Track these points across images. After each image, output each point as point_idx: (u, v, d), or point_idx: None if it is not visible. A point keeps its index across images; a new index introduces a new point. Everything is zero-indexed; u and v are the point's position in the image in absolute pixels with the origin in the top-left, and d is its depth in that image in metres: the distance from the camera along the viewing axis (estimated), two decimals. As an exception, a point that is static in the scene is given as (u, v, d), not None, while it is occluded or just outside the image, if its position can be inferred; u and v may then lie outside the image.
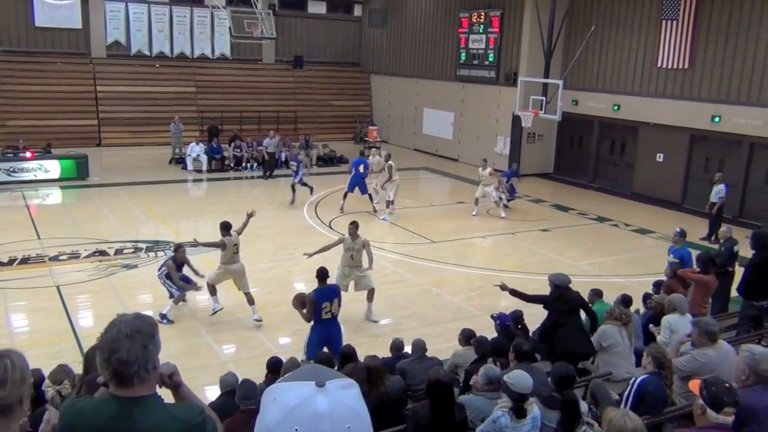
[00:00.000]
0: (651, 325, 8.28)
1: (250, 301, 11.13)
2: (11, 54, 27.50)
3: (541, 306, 8.50)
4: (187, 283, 11.29)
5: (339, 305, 9.27)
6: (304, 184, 19.33)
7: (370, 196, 18.70)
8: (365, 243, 11.30)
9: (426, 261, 14.63)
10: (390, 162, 18.65)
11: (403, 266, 14.25)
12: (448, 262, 14.65)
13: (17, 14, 27.63)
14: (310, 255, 11.37)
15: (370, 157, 19.88)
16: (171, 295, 11.09)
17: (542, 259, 15.19)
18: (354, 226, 11.45)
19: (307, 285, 13.21)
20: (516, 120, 23.13)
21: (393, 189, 18.30)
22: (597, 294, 9.48)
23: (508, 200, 19.23)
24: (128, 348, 2.39)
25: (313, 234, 16.42)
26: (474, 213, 18.71)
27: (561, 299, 8.16)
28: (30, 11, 27.70)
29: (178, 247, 11.39)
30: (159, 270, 11.36)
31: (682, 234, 11.41)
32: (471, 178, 24.49)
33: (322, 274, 9.31)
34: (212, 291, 11.26)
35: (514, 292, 8.53)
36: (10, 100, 26.60)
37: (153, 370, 2.47)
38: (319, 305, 9.00)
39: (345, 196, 18.55)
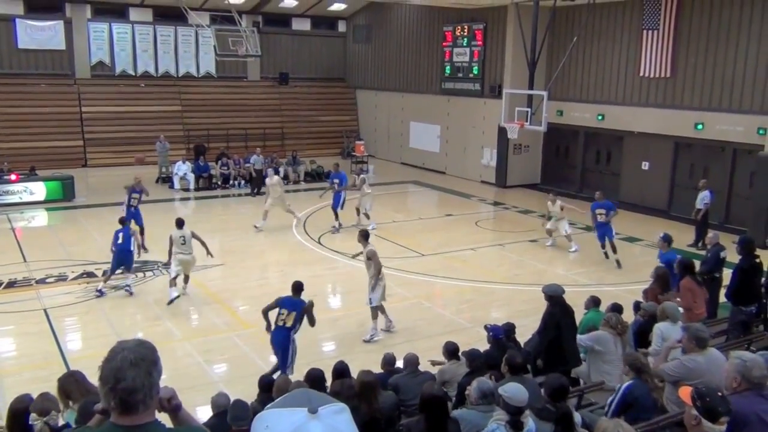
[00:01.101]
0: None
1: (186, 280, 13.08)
2: (-5, 76, 27.38)
3: (544, 320, 8.49)
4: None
5: (296, 321, 9.19)
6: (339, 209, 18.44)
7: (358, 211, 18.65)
8: (372, 253, 11.73)
9: (415, 274, 14.62)
10: (362, 175, 18.77)
11: (392, 280, 14.17)
12: (437, 275, 14.65)
13: (0, 37, 27.55)
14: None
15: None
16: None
17: (532, 270, 15.21)
18: (364, 235, 11.93)
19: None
20: (502, 131, 23.24)
21: (368, 201, 18.43)
22: (595, 302, 9.48)
23: (611, 242, 15.62)
24: (134, 376, 2.36)
25: (302, 251, 16.40)
26: (549, 243, 17.20)
27: (560, 311, 8.20)
28: (13, 33, 27.64)
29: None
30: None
31: (666, 239, 11.51)
32: (459, 191, 24.61)
33: (296, 286, 9.48)
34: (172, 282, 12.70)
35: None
36: (-6, 123, 26.46)
37: (156, 395, 2.45)
38: (278, 309, 9.22)
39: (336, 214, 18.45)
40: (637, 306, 9.51)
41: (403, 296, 13.33)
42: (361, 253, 11.45)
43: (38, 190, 21.14)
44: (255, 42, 24.94)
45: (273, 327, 9.26)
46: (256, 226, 18.14)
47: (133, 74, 29.93)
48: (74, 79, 28.73)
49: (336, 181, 18.58)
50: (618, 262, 15.32)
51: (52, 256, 15.46)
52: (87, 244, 16.50)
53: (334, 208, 18.40)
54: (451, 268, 15.15)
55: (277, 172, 21.86)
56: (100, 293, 13.01)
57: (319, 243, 17.05)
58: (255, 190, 23.42)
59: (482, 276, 14.74)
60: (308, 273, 14.69)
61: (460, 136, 27.28)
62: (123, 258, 13.13)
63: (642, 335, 8.30)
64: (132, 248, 13.33)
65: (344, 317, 12.25)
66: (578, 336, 8.17)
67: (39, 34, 27.99)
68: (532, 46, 20.47)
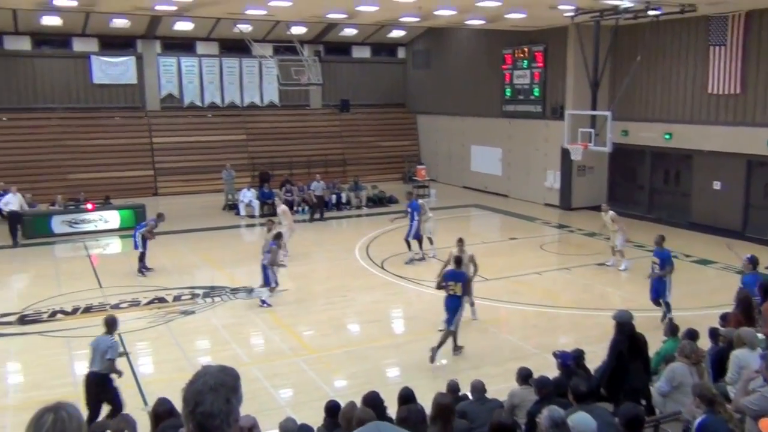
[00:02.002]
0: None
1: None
2: (71, 111, 28.74)
3: (611, 347, 8.25)
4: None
5: (463, 290, 11.23)
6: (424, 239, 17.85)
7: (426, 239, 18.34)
8: (471, 257, 12.98)
9: (480, 299, 14.43)
10: (420, 200, 18.65)
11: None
12: (502, 300, 14.45)
13: (76, 73, 28.96)
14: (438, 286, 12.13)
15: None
16: (267, 283, 14.01)
17: (600, 294, 14.84)
18: (460, 242, 13.16)
19: (362, 327, 13.23)
20: (565, 153, 22.93)
21: (431, 226, 18.10)
22: (672, 330, 9.11)
23: (664, 302, 12.90)
24: (212, 401, 2.39)
25: (365, 275, 16.45)
26: (609, 263, 16.76)
27: (627, 339, 7.94)
28: (88, 69, 29.00)
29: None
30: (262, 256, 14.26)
31: (751, 260, 11.03)
32: (522, 214, 24.32)
33: (457, 260, 11.65)
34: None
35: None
36: (71, 155, 27.71)
37: (234, 423, 2.47)
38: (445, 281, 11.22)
39: (420, 242, 17.77)
40: (713, 333, 9.12)
41: (468, 321, 13.18)
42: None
43: (112, 218, 21.96)
44: (317, 70, 25.49)
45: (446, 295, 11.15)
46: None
47: (201, 105, 30.93)
48: (145, 112, 29.89)
49: (409, 210, 17.77)
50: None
51: (126, 282, 15.98)
52: (158, 270, 16.98)
53: (414, 238, 17.54)
54: (516, 293, 14.93)
55: (287, 203, 22.13)
56: (265, 303, 14.09)
57: (382, 268, 17.07)
58: (315, 215, 23.69)
59: (548, 300, 14.46)
60: (371, 298, 14.76)
61: (523, 159, 27.02)
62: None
63: (721, 363, 7.94)
64: (264, 262, 14.47)
65: (408, 342, 12.19)
66: (657, 385, 7.81)
67: (112, 70, 29.32)
68: (594, 66, 20.22)
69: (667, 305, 12.72)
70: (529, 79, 26.33)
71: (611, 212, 16.49)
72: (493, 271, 16.45)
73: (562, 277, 16.35)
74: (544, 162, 25.89)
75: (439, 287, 11.42)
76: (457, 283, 11.13)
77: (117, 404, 8.60)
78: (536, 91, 26.04)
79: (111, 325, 8.94)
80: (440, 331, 11.47)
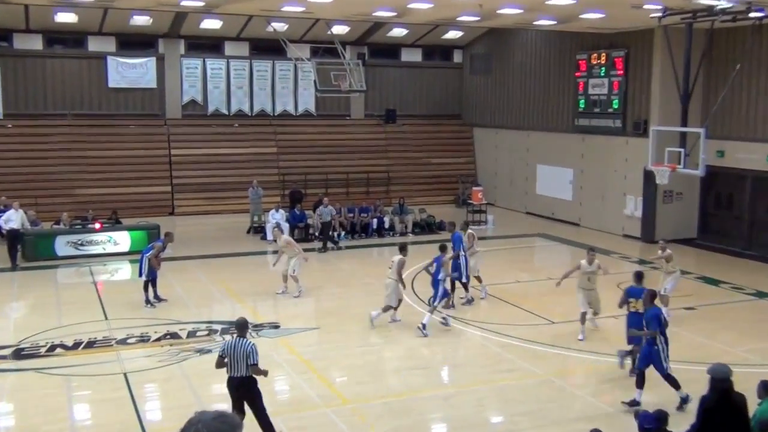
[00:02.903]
0: None
1: None
2: (83, 117, 29.54)
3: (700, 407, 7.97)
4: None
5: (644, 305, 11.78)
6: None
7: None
8: (599, 264, 14.74)
9: (545, 346, 14.19)
10: (469, 230, 17.80)
11: (516, 352, 13.86)
12: (571, 348, 14.17)
13: (90, 76, 29.83)
14: (558, 282, 15.02)
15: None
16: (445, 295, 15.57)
17: (688, 344, 14.43)
18: (592, 252, 14.89)
19: (404, 374, 13.08)
20: (649, 176, 22.54)
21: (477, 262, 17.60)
22: (766, 388, 8.81)
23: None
24: None
25: (409, 314, 16.31)
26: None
27: (721, 398, 7.66)
28: (104, 72, 29.81)
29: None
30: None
31: None
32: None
33: (637, 275, 12.92)
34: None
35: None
36: (80, 167, 28.49)
37: None
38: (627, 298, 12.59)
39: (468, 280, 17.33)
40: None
41: (530, 372, 12.95)
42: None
43: (122, 240, 22.35)
44: (360, 76, 25.68)
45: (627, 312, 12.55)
46: (278, 293, 17.76)
47: (227, 113, 31.48)
48: (164, 120, 30.56)
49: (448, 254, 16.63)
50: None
51: (135, 314, 16.16)
52: (171, 301, 17.14)
53: (460, 280, 16.89)
54: (589, 339, 14.61)
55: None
56: (423, 328, 14.70)
57: (430, 305, 16.89)
58: (326, 246, 23.27)
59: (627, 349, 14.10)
60: (415, 341, 14.61)
61: (598, 182, 26.68)
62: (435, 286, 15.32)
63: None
64: (439, 277, 15.28)
65: (457, 395, 12.01)
66: None
67: (130, 72, 30.10)
68: (684, 76, 19.91)
69: (670, 379, 11.24)
70: (607, 89, 26.08)
71: (668, 251, 15.98)
72: (561, 313, 16.16)
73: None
74: (623, 186, 25.51)
75: (621, 305, 12.85)
76: (638, 299, 12.13)
77: (259, 406, 9.54)
78: (615, 103, 25.76)
79: (244, 327, 9.97)
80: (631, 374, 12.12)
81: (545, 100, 29.44)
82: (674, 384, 11.15)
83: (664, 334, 11.13)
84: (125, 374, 12.61)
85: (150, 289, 16.86)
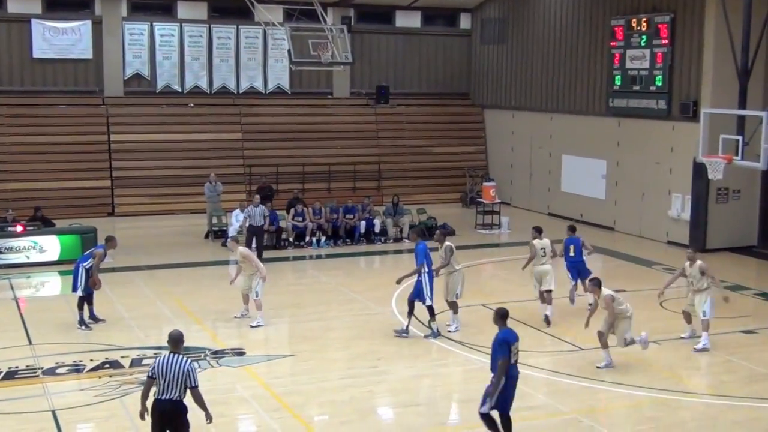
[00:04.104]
0: None
1: None
2: (1, 95, 29.34)
3: None
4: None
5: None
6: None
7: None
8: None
9: (571, 378, 14.27)
10: (446, 243, 16.95)
11: (538, 385, 13.93)
12: (603, 380, 14.25)
13: (9, 43, 29.69)
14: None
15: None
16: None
17: (747, 376, 14.54)
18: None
19: (397, 411, 13.12)
20: (699, 170, 22.66)
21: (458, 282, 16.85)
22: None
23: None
24: None
25: (402, 339, 16.35)
26: (685, 335, 16.51)
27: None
28: (27, 39, 29.67)
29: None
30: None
31: None
32: (634, 255, 24.04)
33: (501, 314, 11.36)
34: None
35: None
36: (-2, 156, 28.33)
37: None
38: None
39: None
40: None
41: (555, 409, 13.02)
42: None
43: (50, 246, 22.27)
44: (344, 45, 25.66)
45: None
46: (236, 317, 17.55)
47: (180, 90, 31.48)
48: (102, 98, 30.53)
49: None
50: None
51: (66, 338, 16.10)
52: (111, 322, 17.11)
53: (424, 303, 16.41)
54: (624, 369, 14.70)
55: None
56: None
57: (429, 327, 16.94)
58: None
59: (671, 383, 14.24)
60: (410, 371, 14.70)
61: (637, 176, 26.80)
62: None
63: None
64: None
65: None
66: None
67: (60, 39, 29.96)
68: (743, 47, 20.00)
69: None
70: (649, 63, 26.19)
71: (700, 262, 16.01)
72: (591, 338, 16.21)
73: (690, 349, 16.05)
74: (667, 181, 25.65)
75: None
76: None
77: None
78: (659, 80, 25.88)
79: (179, 341, 9.81)
80: None
81: (572, 75, 29.53)
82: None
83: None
84: (54, 412, 12.57)
85: (85, 307, 16.83)
